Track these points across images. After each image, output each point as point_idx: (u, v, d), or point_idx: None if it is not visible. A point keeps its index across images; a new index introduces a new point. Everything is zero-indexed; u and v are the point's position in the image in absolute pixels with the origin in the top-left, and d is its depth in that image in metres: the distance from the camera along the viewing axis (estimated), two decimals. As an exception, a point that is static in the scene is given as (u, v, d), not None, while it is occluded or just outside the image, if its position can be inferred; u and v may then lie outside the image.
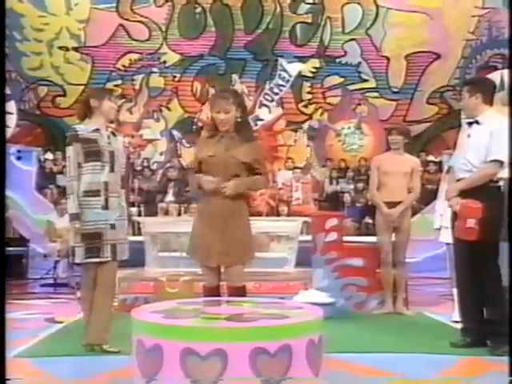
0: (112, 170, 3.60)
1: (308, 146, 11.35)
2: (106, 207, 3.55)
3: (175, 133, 11.52)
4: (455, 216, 3.59)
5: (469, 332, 3.69)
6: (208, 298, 3.26)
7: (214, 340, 2.41)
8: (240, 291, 3.34)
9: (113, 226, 3.56)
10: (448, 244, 4.59)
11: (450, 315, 4.58)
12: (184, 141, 11.24)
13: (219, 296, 3.37)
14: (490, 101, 3.66)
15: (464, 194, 3.55)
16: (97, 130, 3.59)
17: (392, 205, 4.94)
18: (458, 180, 3.66)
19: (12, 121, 9.23)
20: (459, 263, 3.74)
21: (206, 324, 2.53)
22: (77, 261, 3.59)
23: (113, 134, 3.71)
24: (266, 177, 3.54)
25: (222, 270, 3.39)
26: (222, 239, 3.29)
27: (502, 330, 3.39)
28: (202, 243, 3.34)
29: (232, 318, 2.59)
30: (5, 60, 3.97)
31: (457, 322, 4.52)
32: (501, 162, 3.49)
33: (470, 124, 3.70)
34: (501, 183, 3.61)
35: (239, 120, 3.36)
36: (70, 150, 3.55)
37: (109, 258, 3.57)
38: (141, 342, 2.59)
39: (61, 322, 4.53)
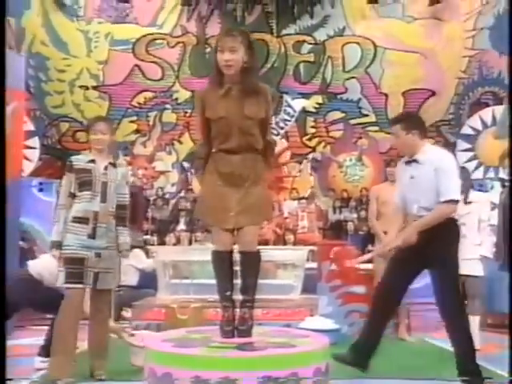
0: (104, 200, 3.46)
1: (312, 176, 11.34)
2: (92, 236, 3.40)
3: (186, 165, 11.57)
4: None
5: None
6: (220, 265, 2.76)
7: (223, 368, 2.34)
8: (254, 257, 2.78)
9: (98, 255, 3.41)
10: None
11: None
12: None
13: (231, 263, 2.79)
14: (425, 135, 3.32)
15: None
16: (92, 160, 3.51)
17: None
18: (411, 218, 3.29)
19: (35, 155, 9.31)
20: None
21: (215, 353, 2.46)
22: (58, 284, 3.42)
23: (113, 165, 3.58)
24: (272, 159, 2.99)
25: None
26: (239, 198, 2.74)
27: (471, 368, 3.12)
28: (217, 203, 2.75)
29: (240, 347, 2.52)
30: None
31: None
32: (455, 201, 3.18)
33: (408, 163, 3.30)
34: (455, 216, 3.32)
35: (246, 65, 2.71)
36: (64, 180, 3.52)
37: (89, 286, 3.42)
38: (152, 369, 2.53)
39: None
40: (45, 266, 3.78)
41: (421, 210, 3.22)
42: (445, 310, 3.27)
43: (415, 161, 3.24)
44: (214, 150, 2.81)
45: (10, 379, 2.82)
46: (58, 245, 3.36)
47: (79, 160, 3.53)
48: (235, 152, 2.74)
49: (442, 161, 3.21)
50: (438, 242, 3.16)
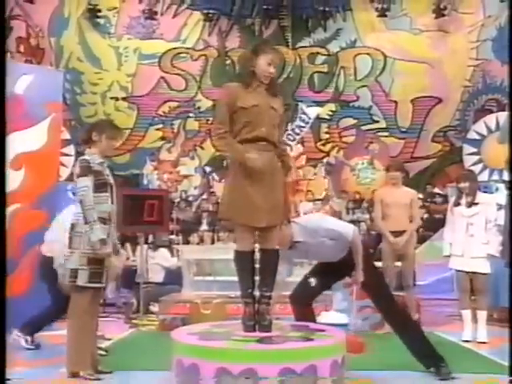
0: (112, 201, 3.35)
1: (326, 179, 11.29)
2: (108, 236, 3.29)
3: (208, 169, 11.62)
4: None
5: None
6: (243, 264, 2.74)
7: (246, 361, 2.34)
8: (275, 255, 2.80)
9: (108, 254, 3.29)
10: (457, 271, 4.48)
11: (460, 334, 4.40)
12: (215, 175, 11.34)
13: (253, 262, 2.79)
14: (289, 220, 3.29)
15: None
16: (102, 162, 3.35)
17: (396, 233, 4.83)
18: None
19: (70, 162, 9.41)
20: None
21: (238, 346, 2.46)
22: (79, 283, 3.22)
23: (108, 166, 3.44)
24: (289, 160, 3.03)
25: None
26: (263, 195, 2.70)
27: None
28: (246, 202, 2.69)
29: (262, 341, 2.51)
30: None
31: (467, 341, 4.35)
32: (352, 230, 3.31)
33: (292, 248, 3.35)
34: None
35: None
36: (87, 181, 3.23)
37: (104, 284, 3.33)
38: (180, 361, 2.54)
39: (109, 339, 4.48)
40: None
41: (336, 257, 3.39)
42: (378, 308, 3.55)
43: (298, 242, 3.32)
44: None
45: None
46: (105, 242, 3.20)
47: (93, 161, 3.30)
48: (262, 141, 2.76)
49: (314, 227, 3.30)
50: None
